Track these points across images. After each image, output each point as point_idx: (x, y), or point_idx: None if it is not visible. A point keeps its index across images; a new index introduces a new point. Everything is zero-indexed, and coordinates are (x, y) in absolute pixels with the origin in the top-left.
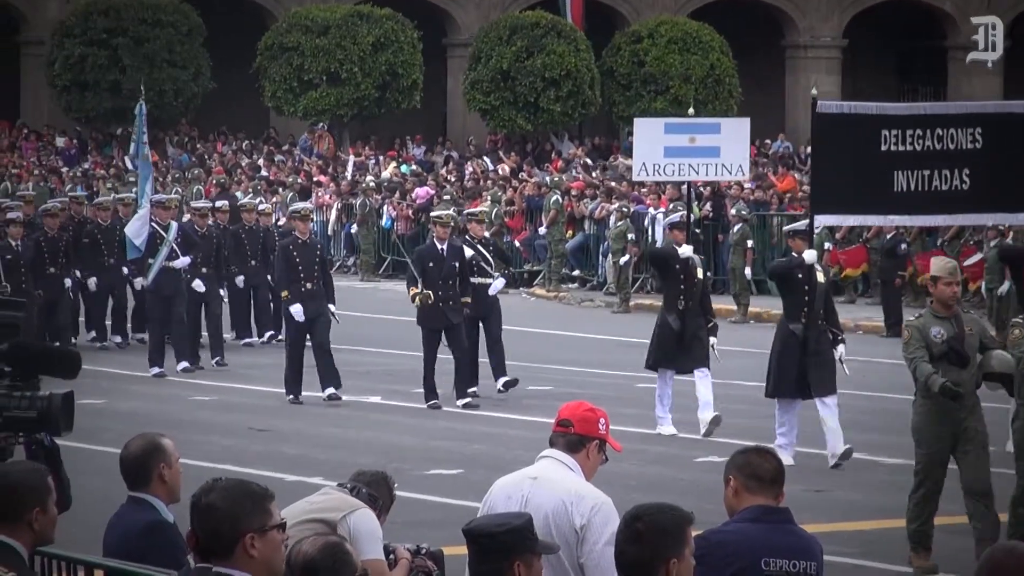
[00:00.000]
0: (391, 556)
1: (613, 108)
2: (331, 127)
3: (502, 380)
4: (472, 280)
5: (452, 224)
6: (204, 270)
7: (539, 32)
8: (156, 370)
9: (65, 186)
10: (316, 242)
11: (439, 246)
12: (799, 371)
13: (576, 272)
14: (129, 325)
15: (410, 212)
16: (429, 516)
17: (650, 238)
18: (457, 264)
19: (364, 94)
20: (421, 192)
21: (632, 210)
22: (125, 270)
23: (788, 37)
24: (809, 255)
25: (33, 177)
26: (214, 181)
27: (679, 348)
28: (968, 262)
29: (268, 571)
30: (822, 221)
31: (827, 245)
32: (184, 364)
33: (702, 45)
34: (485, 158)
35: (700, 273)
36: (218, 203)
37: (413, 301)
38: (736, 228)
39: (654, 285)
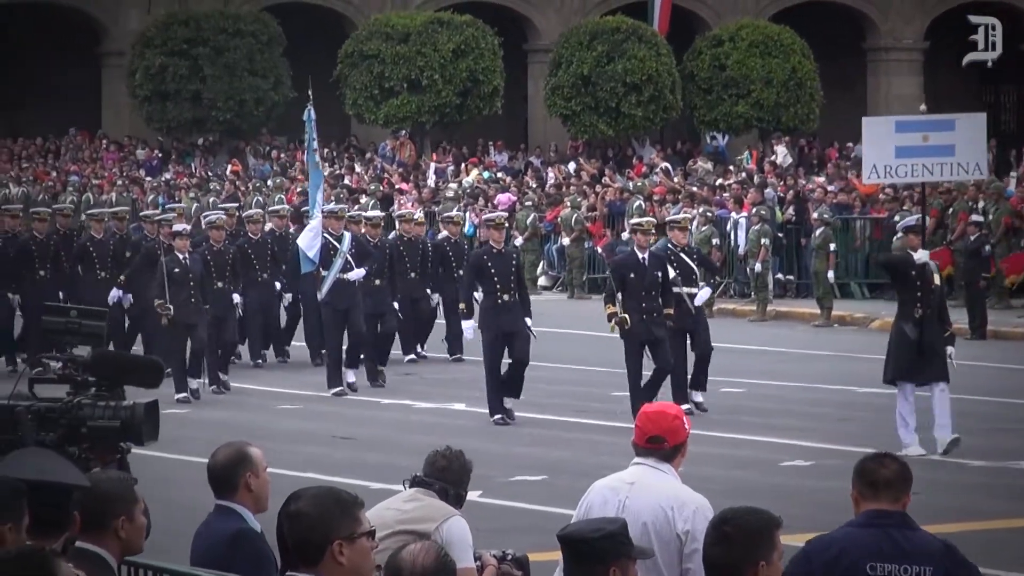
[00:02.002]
0: (478, 562)
1: (694, 112)
2: (412, 134)
3: (699, 395)
4: (677, 290)
5: (653, 232)
6: (377, 282)
7: (620, 37)
8: (336, 389)
9: (147, 196)
10: (512, 252)
11: (640, 255)
12: (913, 362)
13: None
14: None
15: None
16: (514, 522)
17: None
18: (660, 274)
19: (445, 101)
20: (503, 198)
21: (715, 215)
22: (278, 285)
23: (869, 39)
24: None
25: (115, 188)
26: (297, 190)
27: (918, 359)
28: None
29: None
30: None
31: None
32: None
33: (783, 48)
34: (571, 165)
35: (937, 279)
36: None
37: (609, 321)
38: (819, 232)
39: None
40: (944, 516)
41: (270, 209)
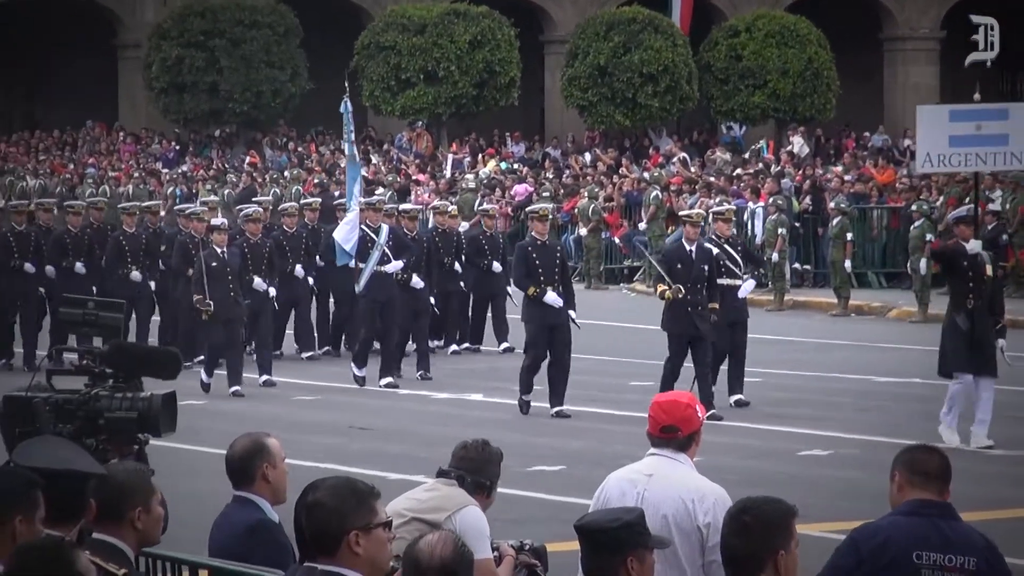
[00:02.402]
0: (495, 552)
1: (711, 103)
2: (429, 126)
3: (736, 397)
4: (720, 282)
5: (701, 224)
6: (415, 278)
7: (636, 27)
8: (386, 380)
9: (165, 189)
10: (556, 244)
11: (688, 247)
12: (965, 353)
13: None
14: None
15: (509, 209)
16: (532, 512)
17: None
18: (707, 267)
19: (462, 92)
20: (520, 189)
21: (732, 205)
22: (311, 280)
23: (886, 29)
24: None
25: (132, 180)
26: (315, 181)
27: (969, 351)
28: None
29: (373, 569)
30: None
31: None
32: (359, 373)
33: (800, 39)
34: (587, 155)
35: (989, 270)
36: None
37: (662, 297)
38: (835, 221)
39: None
40: (968, 505)
41: (303, 202)
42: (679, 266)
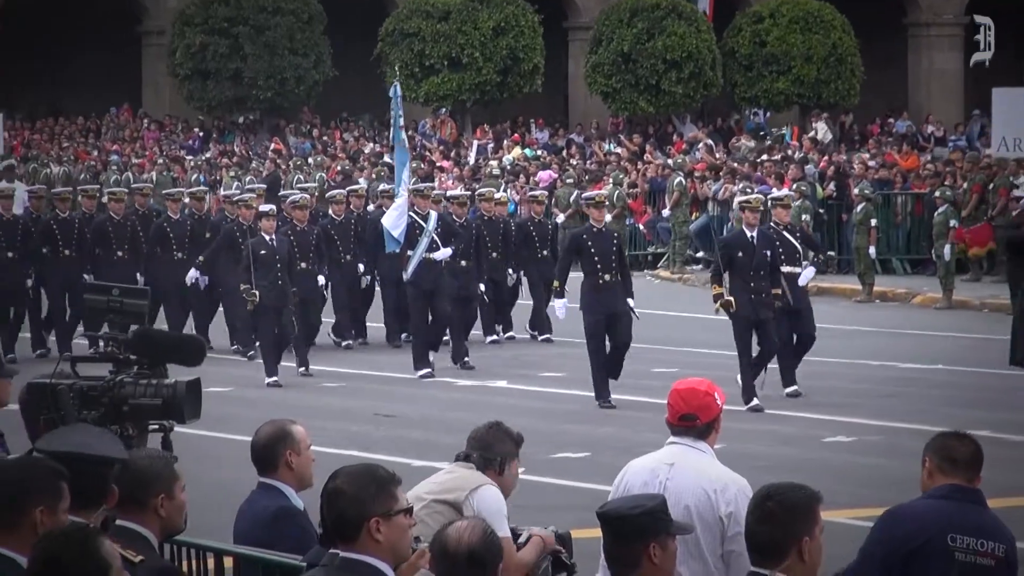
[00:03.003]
0: (520, 538)
1: (735, 89)
2: (453, 112)
3: (792, 388)
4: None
5: (761, 209)
6: (463, 263)
7: (660, 14)
8: (424, 371)
9: (189, 175)
10: (613, 231)
11: (748, 234)
12: None
13: (700, 254)
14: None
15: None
16: (557, 499)
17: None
18: (769, 253)
19: (486, 79)
20: (544, 175)
21: (756, 191)
22: (361, 267)
23: (910, 15)
24: None
25: (156, 167)
26: (338, 168)
27: None
28: None
29: (394, 555)
30: None
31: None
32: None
33: (824, 24)
34: (612, 142)
35: None
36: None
37: (715, 303)
38: (859, 208)
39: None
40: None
41: (349, 188)
42: (740, 254)
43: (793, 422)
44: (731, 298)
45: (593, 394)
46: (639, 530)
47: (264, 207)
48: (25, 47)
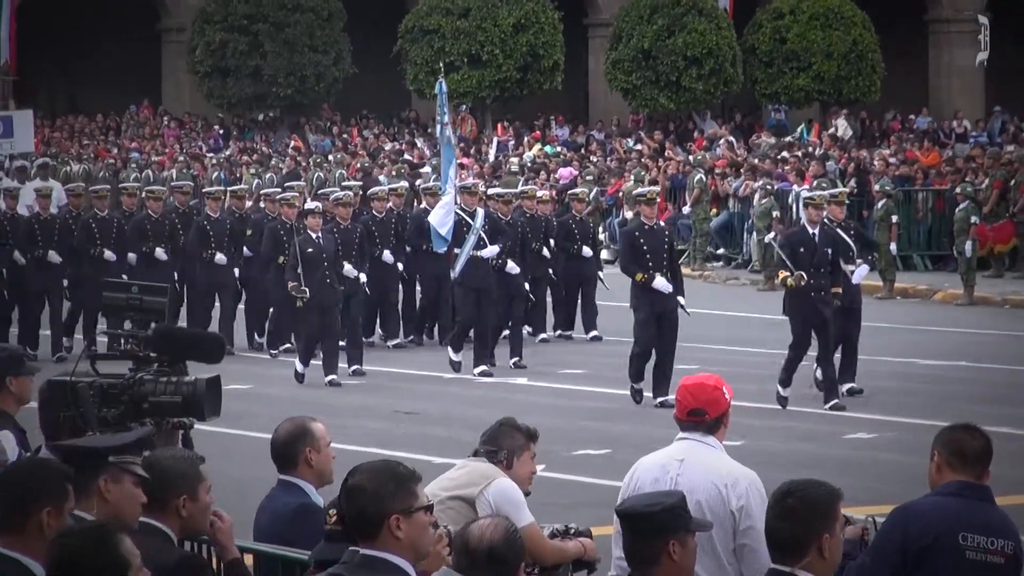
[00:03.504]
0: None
1: (755, 86)
2: (473, 109)
3: (847, 386)
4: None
5: (824, 206)
6: (511, 263)
7: (680, 10)
8: (481, 368)
9: (210, 173)
10: (664, 227)
11: (811, 230)
12: None
13: (721, 251)
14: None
15: (554, 192)
16: (577, 496)
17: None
18: (830, 251)
19: (506, 76)
20: (564, 172)
21: (776, 188)
22: (400, 266)
23: (931, 11)
24: None
25: (176, 164)
26: (358, 165)
27: None
28: None
29: (414, 552)
30: None
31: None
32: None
33: (844, 20)
34: (632, 139)
35: None
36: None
37: (784, 284)
38: (880, 204)
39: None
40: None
41: (390, 186)
42: (802, 250)
43: (813, 418)
44: (801, 272)
45: (621, 391)
46: (659, 527)
47: (310, 205)
48: (44, 44)
